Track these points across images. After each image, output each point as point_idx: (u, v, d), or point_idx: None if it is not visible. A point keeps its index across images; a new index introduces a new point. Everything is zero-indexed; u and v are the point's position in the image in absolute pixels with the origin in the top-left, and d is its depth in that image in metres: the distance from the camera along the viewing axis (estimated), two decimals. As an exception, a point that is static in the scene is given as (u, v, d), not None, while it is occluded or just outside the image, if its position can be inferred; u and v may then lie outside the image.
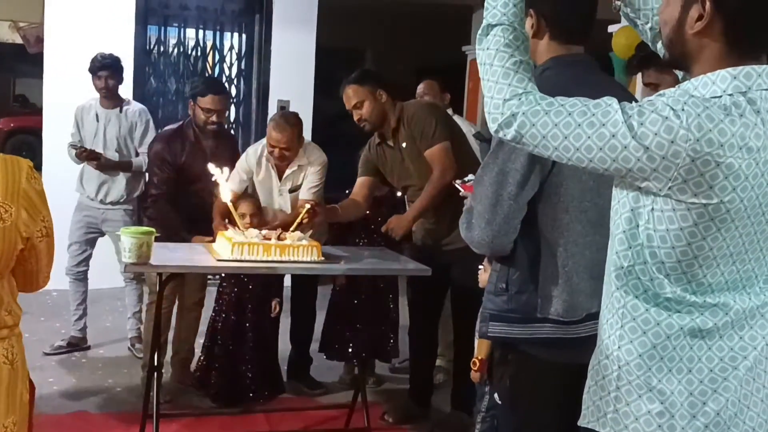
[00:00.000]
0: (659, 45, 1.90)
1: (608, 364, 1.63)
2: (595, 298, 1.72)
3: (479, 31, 1.76)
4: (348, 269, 3.73)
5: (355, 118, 3.99)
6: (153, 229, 3.32)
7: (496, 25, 1.73)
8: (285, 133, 4.13)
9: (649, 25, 1.93)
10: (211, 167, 3.70)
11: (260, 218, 4.17)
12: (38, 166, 6.29)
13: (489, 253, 2.14)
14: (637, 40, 5.27)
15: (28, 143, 12.60)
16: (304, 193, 4.22)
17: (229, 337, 4.20)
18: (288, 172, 4.28)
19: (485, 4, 1.77)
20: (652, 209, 1.53)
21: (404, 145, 3.95)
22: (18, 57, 12.05)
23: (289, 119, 4.21)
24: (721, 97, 1.49)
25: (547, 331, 2.06)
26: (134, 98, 6.45)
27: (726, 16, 1.50)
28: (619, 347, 1.61)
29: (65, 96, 6.15)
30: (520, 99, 1.62)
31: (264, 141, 4.28)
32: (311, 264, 3.55)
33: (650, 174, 1.49)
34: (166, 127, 4.65)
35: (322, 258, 3.59)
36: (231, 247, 3.45)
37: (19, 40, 9.38)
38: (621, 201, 1.61)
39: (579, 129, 1.54)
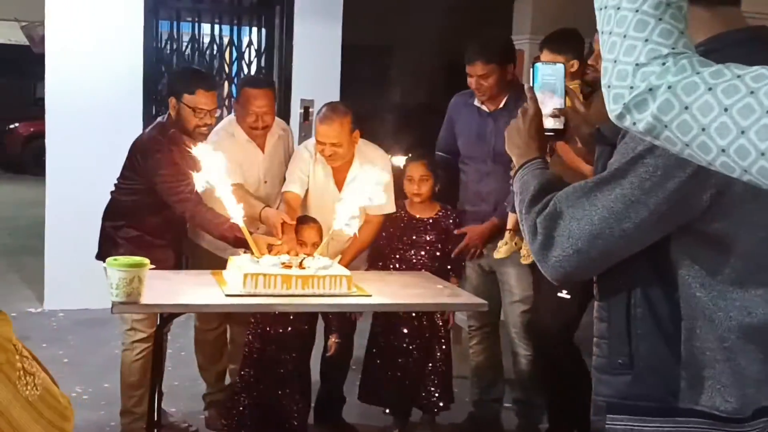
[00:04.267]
0: None
1: None
2: None
3: None
4: (382, 305, 3.13)
5: None
6: (146, 260, 2.73)
7: None
8: (333, 125, 3.59)
9: None
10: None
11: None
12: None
13: (558, 281, 1.54)
14: None
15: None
16: (371, 206, 3.52)
17: (262, 376, 3.59)
18: (349, 179, 3.68)
19: None
20: None
21: None
22: (39, 60, 11.72)
23: (338, 109, 3.66)
24: None
25: (698, 429, 1.45)
26: (144, 99, 6.00)
27: None
28: None
29: (69, 98, 5.73)
30: (664, 64, 1.01)
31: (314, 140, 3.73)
32: (340, 298, 2.96)
33: None
34: (147, 132, 3.79)
35: (354, 290, 2.99)
36: (243, 279, 2.87)
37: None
38: None
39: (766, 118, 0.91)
